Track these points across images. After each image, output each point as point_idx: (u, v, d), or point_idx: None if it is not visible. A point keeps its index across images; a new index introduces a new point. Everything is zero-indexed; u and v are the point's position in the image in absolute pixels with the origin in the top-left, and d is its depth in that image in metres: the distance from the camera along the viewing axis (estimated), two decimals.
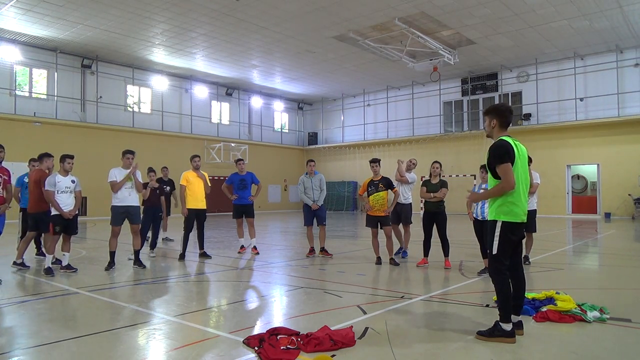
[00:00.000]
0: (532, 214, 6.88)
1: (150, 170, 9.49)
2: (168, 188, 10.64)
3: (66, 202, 7.11)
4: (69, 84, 21.34)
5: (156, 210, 9.11)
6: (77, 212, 7.35)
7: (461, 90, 25.93)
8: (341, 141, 30.74)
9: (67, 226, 7.15)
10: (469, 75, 25.08)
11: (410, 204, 8.79)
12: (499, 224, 3.87)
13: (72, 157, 7.31)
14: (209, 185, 8.90)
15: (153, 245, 9.15)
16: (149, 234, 9.21)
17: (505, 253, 3.89)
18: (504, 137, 3.92)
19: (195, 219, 8.72)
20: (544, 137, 22.24)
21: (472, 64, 23.19)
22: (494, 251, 3.88)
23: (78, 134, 20.88)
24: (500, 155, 3.82)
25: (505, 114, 3.98)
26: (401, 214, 8.68)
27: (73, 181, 7.25)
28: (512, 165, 3.82)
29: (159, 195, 9.28)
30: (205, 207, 8.85)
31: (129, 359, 3.48)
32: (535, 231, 7.67)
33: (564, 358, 3.46)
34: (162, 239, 10.76)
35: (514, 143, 3.92)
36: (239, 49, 20.62)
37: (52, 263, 7.32)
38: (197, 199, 8.66)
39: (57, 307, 5.17)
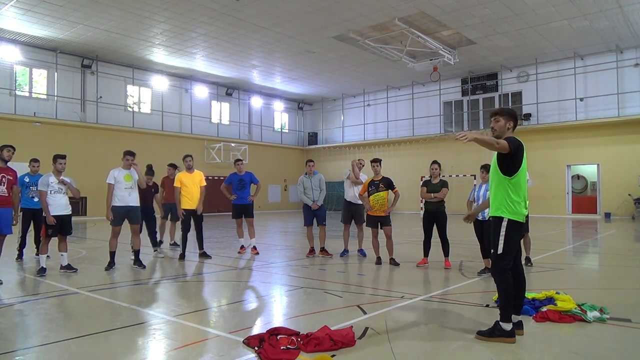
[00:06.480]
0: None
1: (150, 168, 9.52)
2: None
3: (59, 203, 7.09)
4: (69, 84, 21.34)
5: (149, 210, 9.08)
6: (70, 213, 7.35)
7: (461, 90, 25.92)
8: (341, 141, 30.73)
9: (62, 226, 7.14)
10: (469, 75, 25.07)
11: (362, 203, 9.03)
12: (504, 223, 3.87)
13: (64, 157, 7.30)
14: (204, 184, 8.84)
15: (155, 244, 9.12)
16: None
17: (511, 252, 3.89)
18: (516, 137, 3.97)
19: (191, 219, 8.70)
20: (544, 137, 22.24)
21: (472, 64, 23.19)
22: (499, 250, 3.87)
23: (78, 134, 20.88)
24: (513, 142, 3.83)
25: (517, 119, 4.14)
26: (355, 214, 8.94)
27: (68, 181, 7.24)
28: (520, 164, 3.86)
29: (154, 194, 9.26)
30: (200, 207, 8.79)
31: (129, 359, 3.49)
32: (528, 231, 7.66)
33: (564, 358, 3.46)
34: (169, 244, 10.57)
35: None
36: (239, 49, 20.61)
37: (62, 268, 7.24)
38: (192, 199, 8.60)
39: (57, 307, 5.17)
